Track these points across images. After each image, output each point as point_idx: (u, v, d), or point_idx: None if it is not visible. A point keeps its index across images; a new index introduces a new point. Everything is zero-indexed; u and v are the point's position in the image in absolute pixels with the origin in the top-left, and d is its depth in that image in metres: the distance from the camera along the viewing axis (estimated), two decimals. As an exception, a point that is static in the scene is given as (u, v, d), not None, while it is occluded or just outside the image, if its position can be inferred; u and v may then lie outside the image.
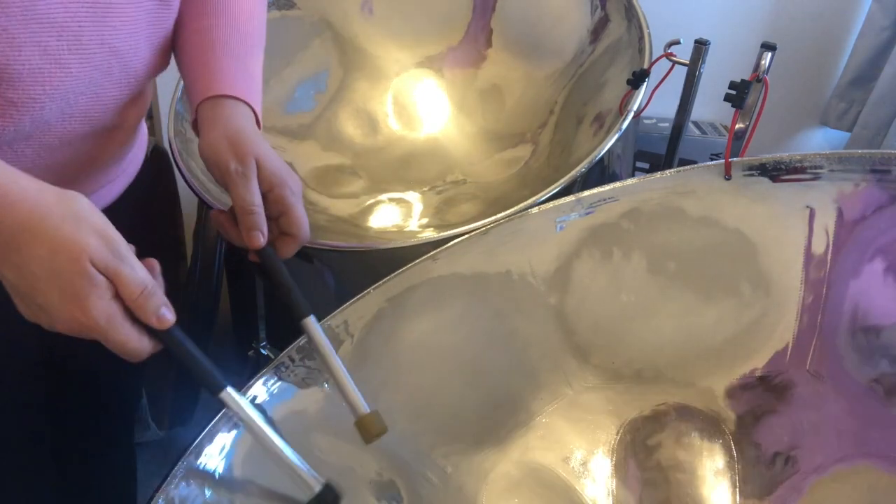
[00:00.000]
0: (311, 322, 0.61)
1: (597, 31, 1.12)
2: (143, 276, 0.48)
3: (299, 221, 0.60)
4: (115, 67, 0.60)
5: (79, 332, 0.46)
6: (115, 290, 0.47)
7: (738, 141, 0.87)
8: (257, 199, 0.58)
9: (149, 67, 0.64)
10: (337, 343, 0.68)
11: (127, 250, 0.48)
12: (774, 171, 0.69)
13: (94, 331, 0.46)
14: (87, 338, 0.47)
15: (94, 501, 0.86)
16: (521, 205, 0.77)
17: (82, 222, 0.46)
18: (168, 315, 0.49)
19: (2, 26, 0.47)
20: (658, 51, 0.96)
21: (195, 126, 0.65)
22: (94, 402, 0.80)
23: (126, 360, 0.48)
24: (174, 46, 0.68)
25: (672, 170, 0.73)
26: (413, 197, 1.16)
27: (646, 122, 1.54)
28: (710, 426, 0.69)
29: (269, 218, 0.60)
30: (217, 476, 0.58)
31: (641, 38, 1.00)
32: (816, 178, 0.67)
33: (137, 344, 0.48)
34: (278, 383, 0.65)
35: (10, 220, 0.44)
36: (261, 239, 0.58)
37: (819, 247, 0.67)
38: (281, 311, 1.43)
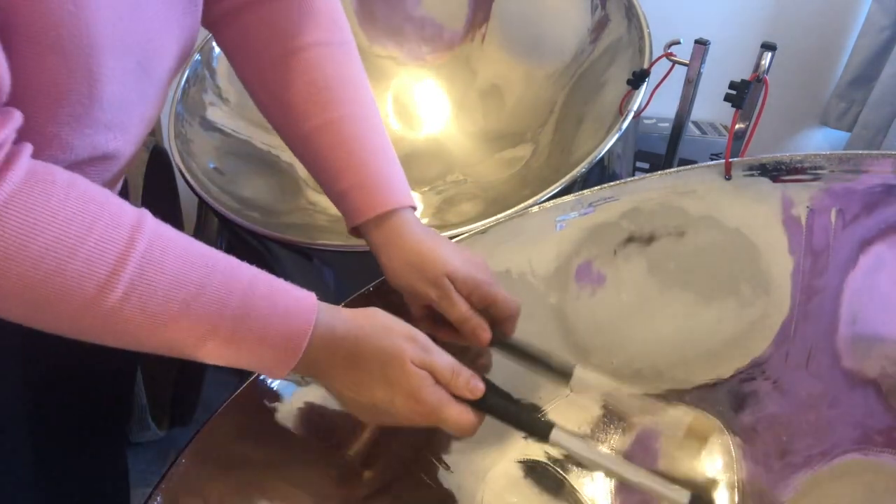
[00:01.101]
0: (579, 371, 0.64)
1: (597, 31, 1.12)
2: (449, 360, 0.55)
3: (507, 304, 0.63)
4: (161, 95, 0.60)
5: (420, 421, 0.54)
6: (434, 379, 0.53)
7: (738, 141, 0.87)
8: (465, 307, 0.61)
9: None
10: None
11: (429, 341, 0.55)
12: (774, 171, 0.69)
13: (432, 415, 0.53)
14: (427, 425, 0.54)
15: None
16: (522, 204, 0.78)
17: (393, 332, 0.54)
18: (478, 384, 0.55)
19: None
20: (658, 51, 0.96)
21: (356, 232, 0.65)
22: (82, 407, 0.80)
23: (452, 430, 0.55)
24: (293, 139, 0.66)
25: (672, 170, 0.73)
26: (413, 197, 1.16)
27: (646, 122, 1.54)
28: (710, 425, 0.69)
29: (479, 311, 0.62)
30: (217, 475, 0.59)
31: (641, 38, 1.00)
32: (816, 178, 0.67)
33: (467, 416, 0.54)
34: (278, 382, 0.65)
35: (343, 353, 0.52)
36: (486, 335, 0.62)
37: (819, 247, 0.67)
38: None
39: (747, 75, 0.84)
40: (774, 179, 0.69)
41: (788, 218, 0.69)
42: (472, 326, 0.61)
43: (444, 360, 0.55)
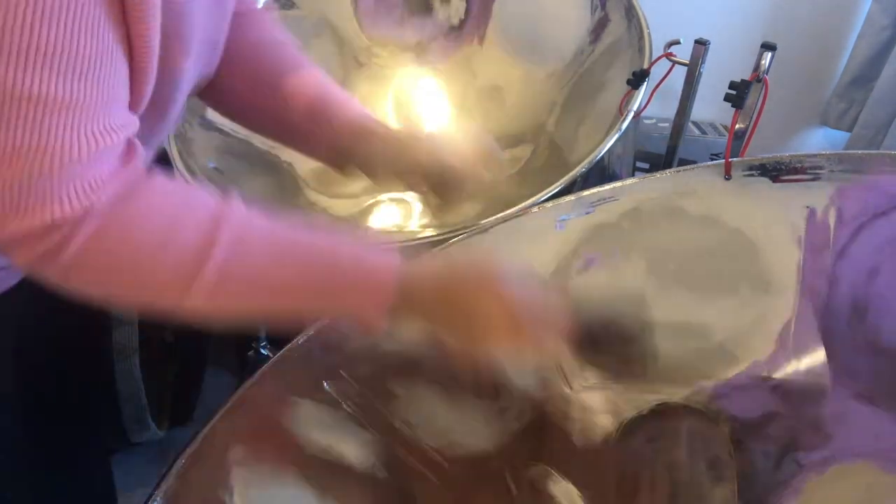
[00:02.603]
0: None
1: (597, 31, 1.12)
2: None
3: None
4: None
5: (521, 323, 0.54)
6: None
7: (738, 141, 0.87)
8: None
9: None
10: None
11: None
12: (774, 171, 0.69)
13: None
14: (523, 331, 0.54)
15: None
16: (522, 205, 0.78)
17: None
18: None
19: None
20: (658, 51, 0.96)
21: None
22: (66, 411, 0.80)
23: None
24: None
25: (672, 170, 0.73)
26: (413, 197, 1.16)
27: (646, 122, 1.54)
28: (710, 426, 0.69)
29: None
30: (217, 475, 0.58)
31: (641, 38, 1.00)
32: (816, 178, 0.67)
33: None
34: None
35: (432, 279, 0.55)
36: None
37: (819, 247, 0.67)
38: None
39: (747, 75, 0.84)
40: (774, 179, 0.69)
41: (788, 218, 0.69)
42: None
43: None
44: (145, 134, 0.53)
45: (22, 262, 0.45)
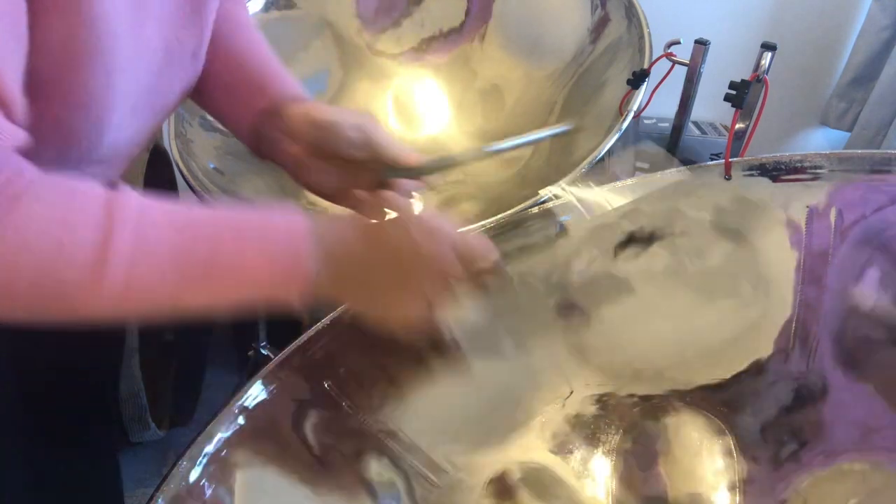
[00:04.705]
0: None
1: (597, 31, 1.12)
2: None
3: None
4: (164, 112, 0.64)
5: (449, 262, 0.53)
6: None
7: (738, 141, 0.87)
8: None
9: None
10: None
11: None
12: (774, 171, 0.69)
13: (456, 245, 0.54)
14: (452, 268, 0.53)
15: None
16: (521, 205, 0.77)
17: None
18: None
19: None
20: (658, 51, 0.96)
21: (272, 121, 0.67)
22: (69, 406, 0.80)
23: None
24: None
25: (672, 170, 0.73)
26: (415, 197, 1.16)
27: (646, 122, 1.54)
28: (710, 426, 0.69)
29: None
30: (217, 475, 0.58)
31: (641, 37, 1.00)
32: (816, 178, 0.67)
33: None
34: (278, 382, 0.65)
35: (351, 231, 0.53)
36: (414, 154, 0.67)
37: (819, 247, 0.67)
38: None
39: (747, 75, 0.84)
40: (774, 179, 0.69)
41: (788, 218, 0.69)
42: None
43: None
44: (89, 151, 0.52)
45: None
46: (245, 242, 0.48)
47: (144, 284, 0.45)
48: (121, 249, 0.43)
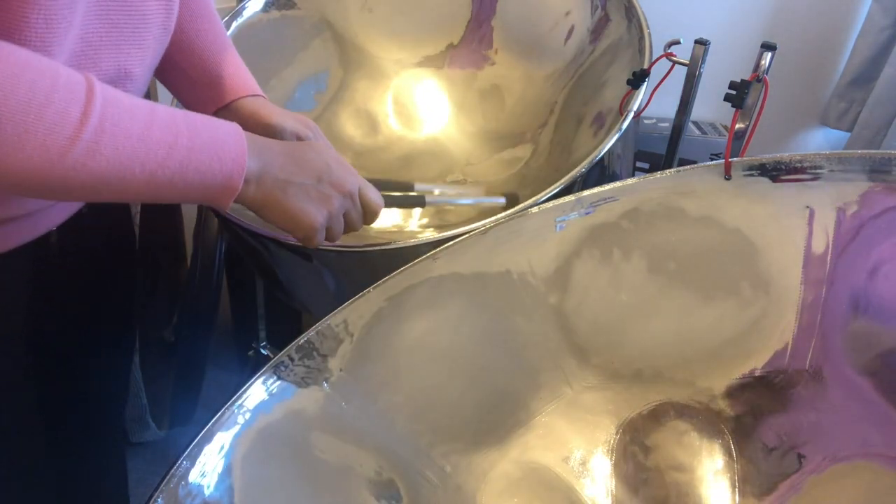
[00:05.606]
0: None
1: (597, 31, 1.12)
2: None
3: None
4: (127, 89, 0.63)
5: (350, 185, 0.66)
6: None
7: (738, 141, 0.87)
8: None
9: (146, 85, 0.69)
10: (336, 342, 0.68)
11: None
12: (774, 171, 0.69)
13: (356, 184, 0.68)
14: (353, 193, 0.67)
15: (85, 498, 0.87)
16: (522, 205, 0.77)
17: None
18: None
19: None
20: (658, 51, 0.96)
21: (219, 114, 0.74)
22: (83, 401, 0.81)
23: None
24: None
25: (672, 170, 0.73)
26: (414, 196, 1.16)
27: (646, 122, 1.54)
28: (710, 426, 0.69)
29: None
30: (217, 475, 0.58)
31: (641, 38, 1.00)
32: (816, 178, 0.67)
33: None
34: (278, 382, 0.65)
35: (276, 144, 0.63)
36: None
37: (819, 247, 0.67)
38: (281, 310, 1.44)
39: (747, 75, 0.84)
40: (774, 179, 0.69)
41: (788, 217, 0.69)
42: None
43: None
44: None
45: None
46: (195, 135, 0.55)
47: (110, 155, 0.49)
48: (98, 114, 0.48)
